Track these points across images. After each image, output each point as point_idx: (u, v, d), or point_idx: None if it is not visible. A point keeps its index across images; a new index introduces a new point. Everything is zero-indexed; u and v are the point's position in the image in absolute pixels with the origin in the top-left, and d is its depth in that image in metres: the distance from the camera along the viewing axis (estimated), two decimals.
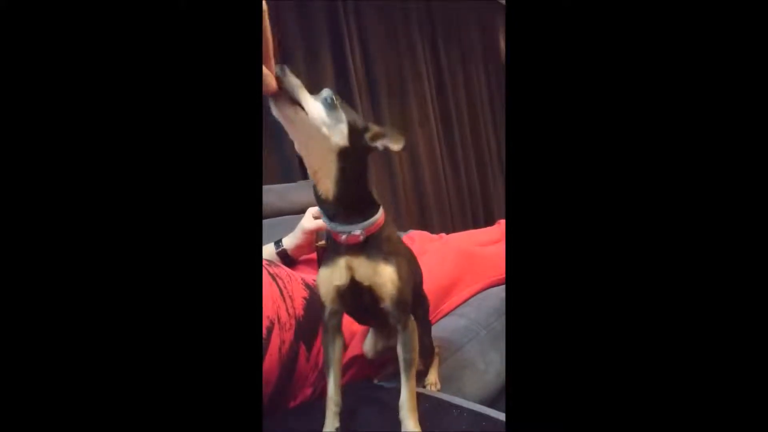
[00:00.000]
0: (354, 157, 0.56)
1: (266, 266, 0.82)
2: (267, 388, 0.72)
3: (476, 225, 2.83)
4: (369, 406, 0.70)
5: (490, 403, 0.93)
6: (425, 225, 2.40)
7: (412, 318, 0.61)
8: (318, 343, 0.83)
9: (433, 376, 0.82)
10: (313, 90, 0.56)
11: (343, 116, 0.56)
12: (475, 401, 0.81)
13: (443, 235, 1.51)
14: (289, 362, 0.76)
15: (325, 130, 0.54)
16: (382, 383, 0.82)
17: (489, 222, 2.85)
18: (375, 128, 0.58)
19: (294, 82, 0.52)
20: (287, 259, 1.08)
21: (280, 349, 0.74)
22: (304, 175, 1.93)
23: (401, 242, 0.66)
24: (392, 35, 2.41)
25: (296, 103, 0.52)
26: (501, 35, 3.31)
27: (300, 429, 0.69)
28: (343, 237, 0.57)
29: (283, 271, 0.85)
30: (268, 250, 1.07)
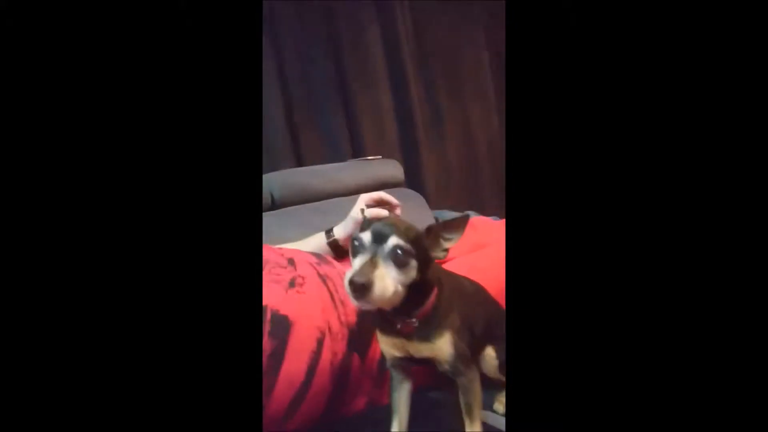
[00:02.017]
0: (421, 275, 0.55)
1: (315, 266, 0.74)
2: (318, 409, 0.65)
3: None
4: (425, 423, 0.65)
5: None
6: (480, 206, 2.26)
7: (473, 366, 0.60)
8: (372, 350, 0.75)
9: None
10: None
11: (412, 262, 0.53)
12: None
13: (505, 221, 1.38)
14: (342, 375, 0.69)
15: (400, 288, 0.52)
16: (434, 396, 0.75)
17: None
18: (434, 229, 0.56)
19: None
20: (339, 250, 0.99)
21: (332, 362, 0.66)
22: (355, 154, 1.84)
23: (456, 286, 0.64)
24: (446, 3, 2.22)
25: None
26: None
27: None
28: (399, 326, 0.57)
29: (334, 270, 0.77)
30: (319, 241, 0.98)
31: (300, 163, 1.75)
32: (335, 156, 1.79)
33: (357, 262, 0.51)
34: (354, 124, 1.88)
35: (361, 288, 0.49)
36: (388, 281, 0.51)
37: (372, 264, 0.50)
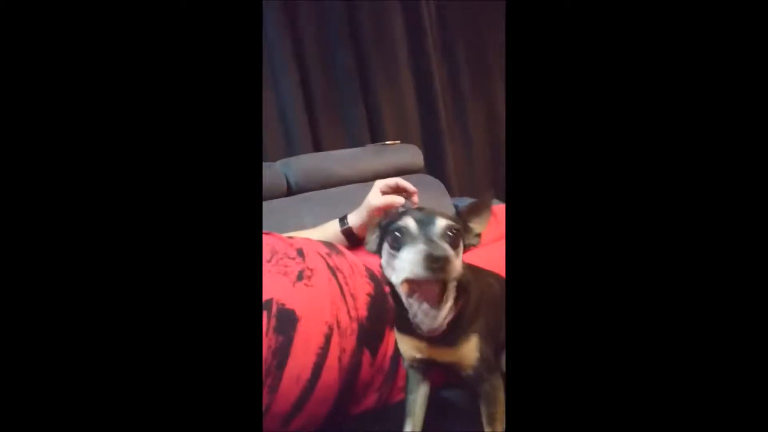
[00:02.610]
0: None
1: (326, 257, 0.70)
2: (325, 406, 0.62)
3: None
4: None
5: None
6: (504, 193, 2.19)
7: (498, 373, 0.55)
8: (384, 346, 0.71)
9: None
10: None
11: (461, 244, 0.50)
12: None
13: None
14: (351, 372, 0.65)
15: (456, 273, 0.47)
16: (448, 395, 0.72)
17: None
18: (462, 215, 0.54)
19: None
20: (353, 238, 0.95)
21: (340, 359, 0.63)
22: (374, 139, 1.80)
23: (483, 286, 0.59)
24: None
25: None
26: None
27: None
28: (425, 330, 0.52)
29: (345, 261, 0.73)
30: (333, 229, 0.95)
31: (318, 149, 1.71)
32: (355, 143, 1.75)
33: (410, 251, 0.46)
34: (375, 111, 1.83)
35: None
36: (454, 257, 0.46)
37: (432, 243, 0.46)
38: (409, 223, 0.48)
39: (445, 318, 0.47)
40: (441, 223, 0.48)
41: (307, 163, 1.46)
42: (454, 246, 0.48)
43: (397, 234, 0.48)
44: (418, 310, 0.48)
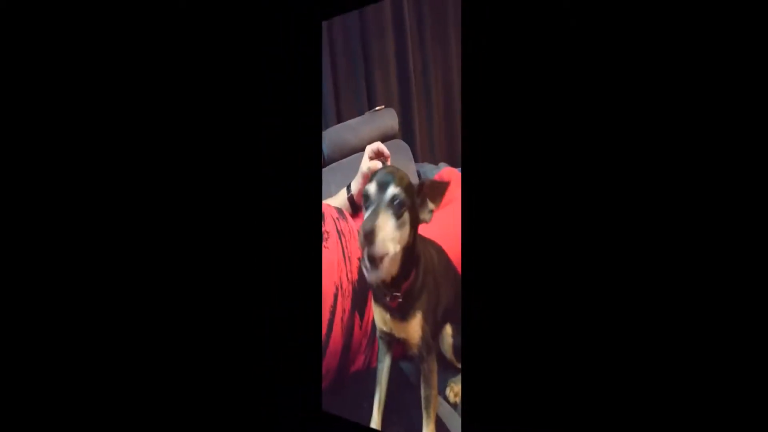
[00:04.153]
0: (412, 240, 0.54)
1: (336, 221, 0.74)
2: (335, 361, 0.67)
3: None
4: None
5: None
6: (458, 160, 2.23)
7: (434, 354, 0.59)
8: (368, 310, 0.76)
9: (459, 386, 0.69)
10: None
11: (406, 214, 0.52)
12: None
13: None
14: (348, 332, 0.70)
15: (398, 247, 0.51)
16: (403, 367, 0.76)
17: None
18: (424, 188, 0.56)
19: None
20: (354, 205, 0.94)
21: (342, 318, 0.68)
22: (370, 105, 1.77)
23: (428, 258, 0.62)
24: None
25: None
26: None
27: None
28: (387, 299, 0.56)
29: (347, 225, 0.77)
30: (342, 196, 0.94)
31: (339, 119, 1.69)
32: (361, 111, 1.72)
33: (366, 214, 0.51)
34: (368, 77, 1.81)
35: (366, 235, 0.48)
36: (387, 230, 0.49)
37: (375, 213, 0.50)
38: (371, 188, 0.52)
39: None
40: (390, 191, 0.51)
41: (332, 136, 1.49)
42: (398, 215, 0.51)
43: (366, 195, 0.53)
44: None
